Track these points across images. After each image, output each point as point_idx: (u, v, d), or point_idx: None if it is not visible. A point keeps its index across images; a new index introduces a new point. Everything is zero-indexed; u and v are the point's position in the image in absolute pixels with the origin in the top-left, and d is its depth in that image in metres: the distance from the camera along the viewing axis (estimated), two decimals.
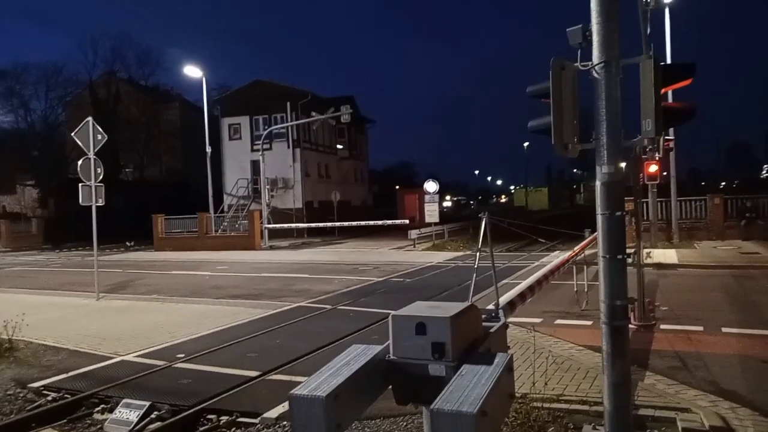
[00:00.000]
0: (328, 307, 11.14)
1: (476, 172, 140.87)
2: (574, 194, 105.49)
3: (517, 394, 4.38)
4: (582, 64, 3.99)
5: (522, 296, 5.71)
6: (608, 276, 3.99)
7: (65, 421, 5.72)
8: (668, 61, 17.93)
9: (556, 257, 13.53)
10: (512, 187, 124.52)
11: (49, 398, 6.30)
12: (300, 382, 2.42)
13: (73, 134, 13.11)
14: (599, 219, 4.02)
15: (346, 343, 7.56)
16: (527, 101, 4.71)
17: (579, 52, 4.05)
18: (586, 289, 9.52)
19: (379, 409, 5.00)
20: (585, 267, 9.74)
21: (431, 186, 26.40)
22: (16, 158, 45.87)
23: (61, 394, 6.38)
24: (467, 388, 2.37)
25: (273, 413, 5.41)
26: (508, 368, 2.68)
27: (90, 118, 13.01)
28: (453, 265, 18.18)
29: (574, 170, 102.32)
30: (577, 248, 9.63)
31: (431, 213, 26.27)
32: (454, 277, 14.94)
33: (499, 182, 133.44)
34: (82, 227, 22.11)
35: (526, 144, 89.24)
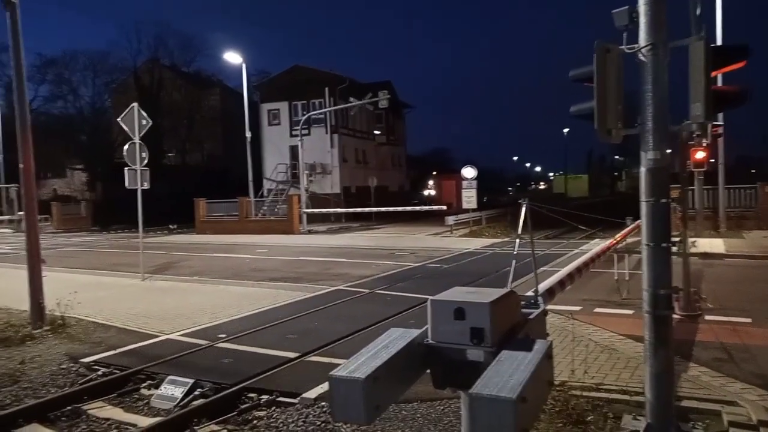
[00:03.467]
0: (366, 291, 11.24)
1: (514, 158, 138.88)
2: (615, 181, 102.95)
3: (555, 382, 4.36)
4: (628, 47, 3.88)
5: (561, 283, 5.65)
6: (652, 264, 3.91)
7: (115, 395, 5.97)
8: (719, 42, 17.23)
9: (597, 245, 13.29)
10: (551, 174, 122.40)
11: (100, 373, 6.58)
12: (338, 364, 2.46)
13: (119, 119, 13.48)
14: (643, 206, 3.94)
15: (383, 326, 7.64)
16: (568, 86, 4.62)
17: (625, 34, 3.94)
18: (627, 278, 9.34)
19: (415, 393, 5.05)
20: (626, 255, 9.54)
21: (469, 172, 26.19)
22: (66, 143, 47.59)
23: (110, 369, 6.65)
24: (506, 373, 2.37)
25: (312, 393, 5.52)
26: (548, 355, 2.66)
27: (135, 104, 13.34)
28: (490, 251, 18.06)
29: (616, 156, 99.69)
30: (618, 236, 9.44)
31: (469, 199, 26.09)
32: (491, 264, 14.85)
33: (537, 169, 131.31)
34: (127, 210, 22.82)
35: (566, 130, 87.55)
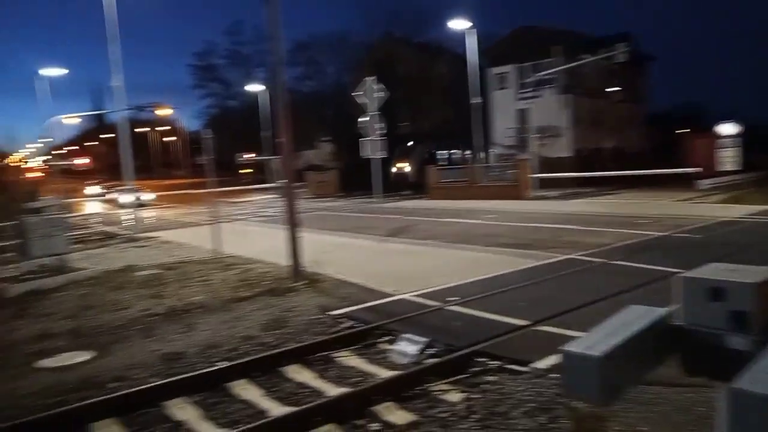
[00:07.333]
0: (600, 261, 10.56)
1: None
2: None
3: None
4: None
5: None
6: None
7: (359, 346, 6.61)
8: None
9: None
10: None
11: (345, 325, 7.33)
12: (569, 336, 2.35)
13: (353, 93, 14.61)
14: None
15: (620, 300, 7.10)
16: None
17: None
18: None
19: (660, 376, 4.60)
20: None
21: (728, 128, 22.69)
22: (315, 118, 53.63)
23: (354, 322, 7.38)
24: None
25: (542, 364, 5.40)
26: None
27: (368, 78, 14.33)
28: (753, 220, 15.49)
29: None
30: None
31: (728, 159, 22.68)
32: (755, 236, 12.76)
33: None
34: (367, 177, 24.85)
35: None
